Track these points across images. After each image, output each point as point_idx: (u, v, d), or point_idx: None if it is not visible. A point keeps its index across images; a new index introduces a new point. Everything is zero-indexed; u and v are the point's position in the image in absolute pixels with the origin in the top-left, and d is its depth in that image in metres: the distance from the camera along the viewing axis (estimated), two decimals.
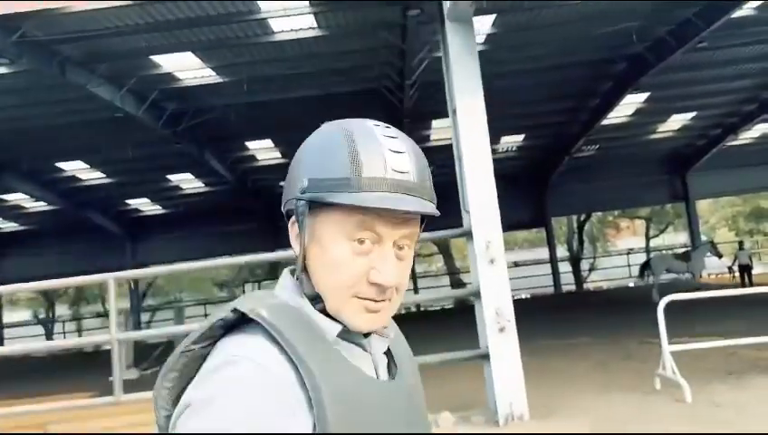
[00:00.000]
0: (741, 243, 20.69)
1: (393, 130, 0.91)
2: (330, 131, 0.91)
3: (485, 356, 5.65)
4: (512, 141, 21.72)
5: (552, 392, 6.57)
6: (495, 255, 5.66)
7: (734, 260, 19.51)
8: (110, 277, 6.29)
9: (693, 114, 20.43)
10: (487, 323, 5.67)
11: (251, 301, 0.87)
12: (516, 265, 33.75)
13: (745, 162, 25.41)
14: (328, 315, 0.89)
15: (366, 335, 0.93)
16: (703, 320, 10.80)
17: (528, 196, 25.40)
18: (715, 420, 5.17)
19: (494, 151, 23.70)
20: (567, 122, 19.66)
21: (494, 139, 21.09)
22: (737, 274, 19.14)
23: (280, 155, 19.50)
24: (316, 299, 0.90)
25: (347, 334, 0.89)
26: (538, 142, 21.82)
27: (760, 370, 6.81)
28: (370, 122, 0.91)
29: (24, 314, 32.72)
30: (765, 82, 18.22)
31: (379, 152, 0.86)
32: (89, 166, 18.39)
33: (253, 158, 19.75)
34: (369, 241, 0.86)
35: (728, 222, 35.56)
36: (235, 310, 0.85)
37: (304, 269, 0.91)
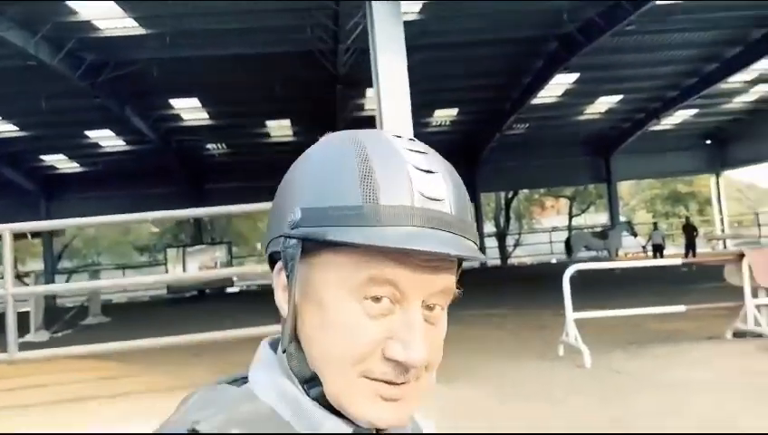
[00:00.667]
0: (655, 224, 21.86)
1: (419, 144, 0.67)
2: (332, 144, 0.67)
3: None
4: (445, 115, 21.83)
5: (463, 359, 6.68)
6: None
7: (649, 240, 20.53)
8: (5, 229, 5.87)
9: (619, 97, 21.07)
10: None
11: (215, 413, 0.63)
12: None
13: (666, 147, 26.53)
14: (326, 404, 0.64)
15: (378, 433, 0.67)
16: (613, 294, 11.22)
17: (459, 171, 25.22)
18: (611, 385, 5.37)
19: (427, 125, 23.95)
20: (499, 99, 19.90)
21: (428, 112, 21.20)
22: (651, 253, 20.13)
23: (207, 115, 18.90)
24: (310, 381, 0.65)
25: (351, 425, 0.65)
26: (471, 118, 22.04)
27: (660, 340, 7.11)
28: (388, 133, 0.67)
29: None
30: (688, 70, 18.93)
31: (402, 170, 0.62)
32: (0, 117, 17.28)
33: (178, 117, 19.04)
34: (387, 299, 0.62)
35: (647, 204, 37.20)
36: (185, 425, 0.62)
37: (294, 338, 0.66)
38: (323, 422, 0.64)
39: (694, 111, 23.81)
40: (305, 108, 18.52)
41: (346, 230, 0.60)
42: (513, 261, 29.58)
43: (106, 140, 20.39)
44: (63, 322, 13.84)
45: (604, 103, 21.73)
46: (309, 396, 0.65)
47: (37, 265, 27.01)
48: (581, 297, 6.46)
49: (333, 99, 16.86)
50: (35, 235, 23.58)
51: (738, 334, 6.78)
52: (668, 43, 16.21)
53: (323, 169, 0.64)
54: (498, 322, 9.47)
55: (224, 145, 22.73)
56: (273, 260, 0.69)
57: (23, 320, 11.75)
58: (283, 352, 0.67)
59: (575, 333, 6.25)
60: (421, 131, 22.95)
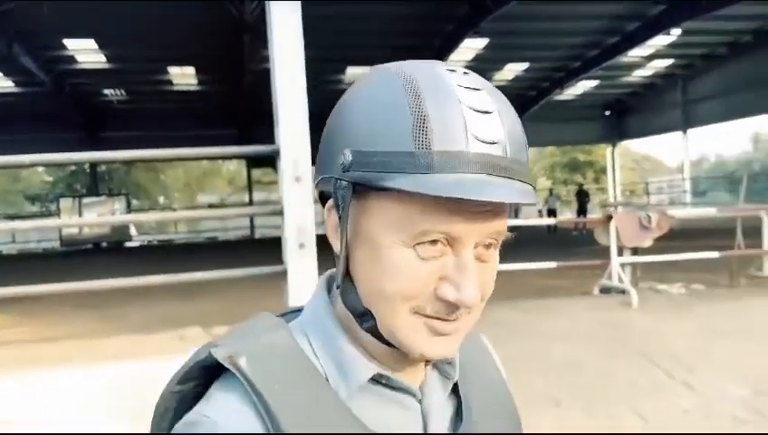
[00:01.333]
0: (551, 190, 23.04)
1: (475, 78, 0.64)
2: (384, 80, 0.63)
3: (285, 272, 5.67)
4: (358, 74, 21.71)
5: None
6: (302, 173, 5.56)
7: (545, 205, 21.59)
8: None
9: (526, 65, 21.69)
10: (288, 239, 5.64)
11: (235, 339, 0.66)
12: None
13: (567, 116, 27.64)
14: (378, 336, 0.66)
15: (427, 363, 0.70)
16: (505, 254, 11.69)
17: None
18: (489, 334, 5.64)
19: (339, 82, 23.74)
20: (411, 58, 19.97)
21: (341, 69, 21.04)
22: (546, 216, 21.24)
23: (105, 59, 17.91)
24: (363, 316, 0.66)
25: (384, 379, 0.67)
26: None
27: (539, 295, 7.57)
28: (441, 66, 0.64)
29: None
30: (591, 42, 19.69)
31: (457, 113, 0.60)
32: None
33: (72, 59, 17.95)
34: (440, 242, 0.61)
35: (547, 171, 38.81)
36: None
37: (347, 275, 0.67)
38: (354, 365, 0.66)
39: (595, 83, 24.89)
40: (211, 56, 17.91)
41: (398, 177, 0.59)
42: None
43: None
44: None
45: (511, 70, 22.31)
46: (362, 328, 0.67)
47: None
48: None
49: (241, 48, 16.37)
50: None
51: (604, 290, 7.30)
52: (573, 14, 16.77)
53: (374, 109, 0.62)
54: None
55: (122, 91, 21.68)
56: (322, 197, 0.68)
57: None
58: (337, 287, 0.68)
59: None
60: (333, 88, 22.80)
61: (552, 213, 20.51)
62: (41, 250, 24.13)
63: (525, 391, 4.41)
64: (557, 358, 4.99)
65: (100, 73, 19.06)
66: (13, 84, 19.45)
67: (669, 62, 23.62)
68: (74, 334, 6.55)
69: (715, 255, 7.76)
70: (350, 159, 0.62)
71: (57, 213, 22.90)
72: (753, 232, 8.37)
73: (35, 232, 25.82)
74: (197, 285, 8.49)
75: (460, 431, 0.71)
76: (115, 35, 15.55)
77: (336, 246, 0.67)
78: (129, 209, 23.45)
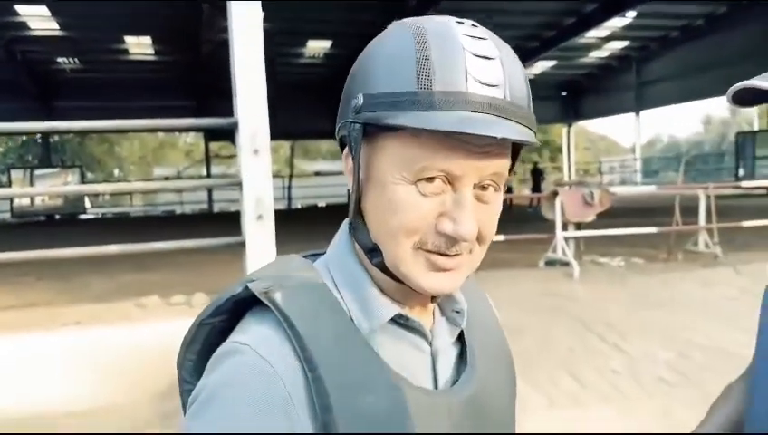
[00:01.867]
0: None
1: (482, 30, 0.68)
2: (396, 32, 0.69)
3: (243, 243, 5.82)
4: (319, 48, 21.61)
5: None
6: (260, 146, 5.68)
7: None
8: None
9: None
10: (247, 211, 5.78)
11: (269, 277, 0.70)
12: (318, 174, 34.42)
13: None
14: (387, 272, 0.70)
15: (433, 299, 0.75)
16: None
17: (333, 105, 25.39)
18: None
19: (300, 56, 23.46)
20: (374, 35, 19.89)
21: (301, 42, 20.90)
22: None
23: (57, 26, 17.42)
24: (372, 251, 0.71)
25: (403, 319, 0.72)
26: (345, 52, 21.94)
27: (486, 267, 7.82)
28: (452, 20, 0.69)
29: None
30: (549, 22, 19.99)
31: (459, 57, 0.64)
32: None
33: (24, 25, 17.40)
34: (440, 180, 0.65)
35: None
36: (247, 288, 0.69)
37: (359, 213, 0.72)
38: (375, 305, 0.71)
39: (552, 63, 25.28)
40: (168, 25, 17.59)
41: (402, 115, 0.63)
42: None
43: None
44: None
45: None
46: (372, 263, 0.71)
47: None
48: None
49: (199, 18, 16.14)
50: None
51: (549, 263, 7.65)
52: None
53: (385, 56, 0.67)
54: None
55: (76, 60, 21.11)
56: (342, 144, 0.72)
57: None
58: (350, 224, 0.73)
59: None
60: (292, 61, 22.65)
61: (508, 190, 20.92)
62: None
63: None
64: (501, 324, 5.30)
65: (53, 41, 18.54)
66: None
67: (625, 44, 24.16)
68: (37, 302, 6.60)
69: (653, 230, 8.17)
70: (362, 101, 0.67)
71: (8, 184, 22.29)
72: (692, 210, 8.82)
73: None
74: (157, 257, 8.56)
75: (464, 375, 0.75)
76: (68, 2, 15.16)
77: (350, 186, 0.71)
78: (83, 181, 22.99)
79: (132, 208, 28.32)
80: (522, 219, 13.01)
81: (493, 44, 0.67)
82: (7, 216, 23.22)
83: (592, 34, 21.27)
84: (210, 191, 25.84)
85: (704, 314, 5.40)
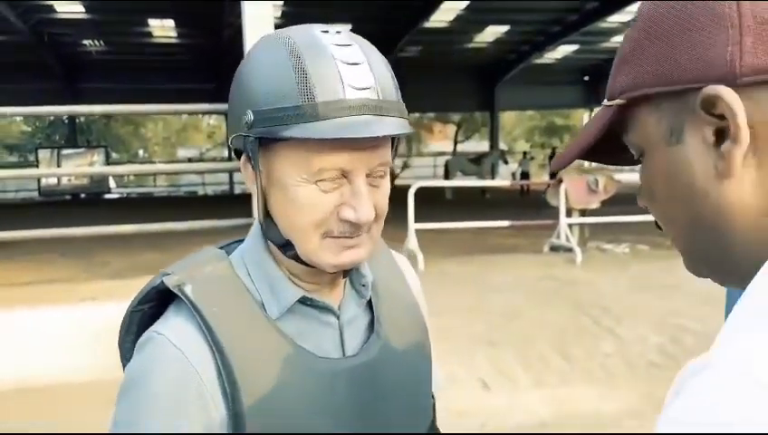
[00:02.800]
0: (525, 153, 23.31)
1: (345, 36, 0.75)
2: (271, 47, 0.75)
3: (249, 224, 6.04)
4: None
5: None
6: None
7: (519, 167, 21.92)
8: None
9: (507, 28, 21.69)
10: None
11: (183, 270, 0.78)
12: None
13: (547, 81, 27.78)
14: (300, 261, 0.78)
15: (345, 275, 0.83)
16: (471, 212, 12.16)
17: None
18: (435, 284, 6.11)
19: None
20: (393, 19, 19.95)
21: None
22: (519, 179, 21.58)
23: (83, 9, 17.72)
24: (286, 246, 0.78)
25: (308, 300, 0.80)
26: (364, 36, 21.92)
27: (491, 252, 8.01)
28: (317, 29, 0.75)
29: None
30: (572, 6, 19.77)
31: (332, 67, 0.71)
32: None
33: (50, 8, 17.73)
34: (335, 177, 0.73)
35: (526, 134, 39.13)
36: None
37: (267, 215, 0.79)
38: (283, 288, 0.79)
39: (574, 48, 25.01)
40: (191, 10, 17.80)
41: (291, 127, 0.70)
42: (399, 182, 30.47)
43: None
44: None
45: (492, 33, 22.31)
46: (286, 256, 0.79)
47: None
48: (451, 213, 7.11)
49: (221, 2, 16.33)
50: None
51: (554, 249, 7.75)
52: None
53: (265, 72, 0.73)
54: None
55: (101, 42, 21.44)
56: (237, 152, 0.79)
57: None
58: (261, 225, 0.80)
59: (415, 242, 6.94)
60: None
61: (525, 175, 20.89)
62: (19, 200, 24.12)
63: (465, 333, 4.87)
64: (498, 307, 5.45)
65: (79, 24, 18.87)
66: None
67: None
68: (57, 278, 6.88)
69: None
70: (252, 118, 0.73)
71: (36, 163, 22.80)
72: None
73: (13, 182, 25.77)
74: (177, 238, 8.81)
75: (367, 343, 0.82)
76: None
77: (253, 191, 0.78)
78: (108, 162, 23.41)
79: (156, 189, 28.69)
80: (535, 205, 13.08)
81: (359, 49, 0.74)
82: (35, 194, 23.76)
83: (615, 19, 20.99)
84: (231, 174, 26.16)
85: (700, 300, 5.49)
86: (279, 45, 0.74)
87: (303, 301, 0.79)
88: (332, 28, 0.77)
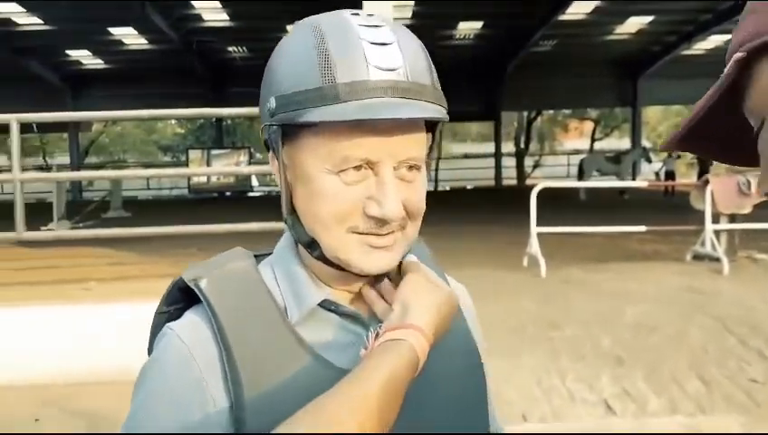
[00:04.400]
0: (670, 152, 21.58)
1: (377, 18, 0.71)
2: (297, 32, 0.71)
3: None
4: (470, 29, 21.39)
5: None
6: None
7: (662, 167, 20.39)
8: (12, 118, 6.29)
9: (650, 18, 20.36)
10: None
11: (203, 266, 0.75)
12: (466, 156, 34.30)
13: (696, 73, 25.69)
14: (329, 263, 0.73)
15: (377, 279, 0.76)
16: (608, 215, 11.47)
17: (482, 87, 25.40)
18: (557, 292, 5.79)
19: (450, 38, 23.35)
20: (526, 13, 19.38)
21: (452, 24, 20.82)
22: (663, 179, 20.08)
23: (228, 17, 18.85)
24: (311, 245, 0.73)
25: (333, 305, 0.74)
26: (496, 32, 21.55)
27: (625, 258, 7.45)
28: (347, 12, 0.71)
29: None
30: None
31: (357, 47, 0.67)
32: (25, 10, 17.48)
33: (198, 17, 19.03)
34: (362, 167, 0.68)
35: (673, 131, 36.34)
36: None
37: (293, 211, 0.75)
38: (304, 288, 0.74)
39: (727, 37, 22.94)
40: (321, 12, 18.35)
41: (311, 111, 0.66)
42: (530, 182, 29.64)
43: (129, 37, 20.51)
44: (85, 214, 14.51)
45: (634, 24, 21.03)
46: (313, 256, 0.74)
47: (64, 158, 27.92)
48: (583, 215, 6.75)
49: (337, 7, 16.67)
50: (59, 127, 24.19)
51: (697, 257, 7.05)
52: None
53: (289, 56, 0.70)
54: (485, 236, 9.86)
55: (244, 48, 22.71)
56: (267, 146, 0.75)
57: (48, 210, 12.46)
58: (285, 223, 0.75)
59: (537, 246, 6.61)
60: (444, 44, 22.65)
61: (669, 176, 19.43)
62: (172, 197, 26.18)
63: (590, 348, 4.52)
64: (629, 320, 5.02)
65: (224, 31, 20.09)
66: (146, 42, 20.93)
67: None
68: None
69: None
70: (274, 104, 0.70)
71: (186, 163, 24.57)
72: None
73: (167, 180, 28.03)
74: None
75: None
76: None
77: (280, 186, 0.74)
78: (251, 161, 24.71)
79: None
80: (680, 208, 12.11)
81: (389, 30, 0.69)
82: (185, 192, 25.67)
83: None
84: None
85: None
86: (305, 29, 0.70)
87: (327, 306, 0.74)
88: (365, 12, 0.72)
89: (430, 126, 0.75)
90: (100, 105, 23.82)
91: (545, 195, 7.14)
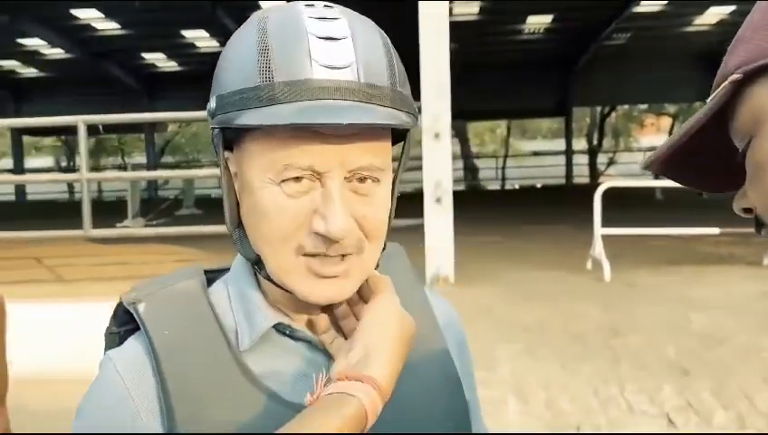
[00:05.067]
0: None
1: (337, 10, 0.63)
2: (244, 26, 0.64)
3: (422, 226, 6.03)
4: (539, 23, 20.90)
5: (490, 266, 6.97)
6: (441, 129, 5.84)
7: None
8: (79, 120, 6.55)
9: (732, 8, 19.31)
10: (426, 194, 5.96)
11: (147, 285, 0.69)
12: (536, 154, 33.56)
13: None
14: (275, 283, 0.65)
15: (328, 308, 0.67)
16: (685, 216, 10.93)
17: (552, 83, 24.81)
18: (621, 297, 5.52)
19: (519, 33, 23.00)
20: (598, 7, 18.76)
21: (521, 19, 20.40)
22: None
23: None
24: (258, 263, 0.66)
25: (287, 329, 0.67)
26: (567, 25, 20.98)
27: (696, 261, 7.03)
28: (301, 3, 0.63)
29: (48, 161, 34.05)
30: None
31: (301, 42, 0.59)
32: (103, 15, 18.30)
33: None
34: (306, 179, 0.60)
35: None
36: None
37: (239, 224, 0.67)
38: (256, 311, 0.67)
39: None
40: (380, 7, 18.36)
41: (246, 114, 0.58)
42: (603, 179, 28.74)
43: (201, 40, 21.16)
44: (158, 211, 15.06)
45: (715, 14, 20.02)
46: (260, 275, 0.67)
47: (140, 157, 29.13)
48: (657, 216, 6.46)
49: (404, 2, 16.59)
50: (135, 129, 25.18)
51: None
52: None
53: (232, 53, 0.63)
54: (551, 236, 9.57)
55: None
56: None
57: (122, 208, 13.01)
58: (232, 238, 0.67)
59: (600, 248, 6.35)
60: (512, 39, 22.24)
61: None
62: None
63: (653, 357, 4.27)
64: (698, 328, 4.72)
65: None
66: (218, 44, 21.52)
67: None
68: None
69: None
70: (214, 105, 0.62)
71: None
72: None
73: None
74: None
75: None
76: None
77: (224, 195, 0.67)
78: None
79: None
80: None
81: (345, 24, 0.61)
82: None
83: None
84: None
85: None
86: (252, 22, 0.63)
87: (282, 330, 0.67)
88: (322, 2, 0.64)
89: (399, 132, 0.66)
90: (174, 106, 24.59)
91: (616, 194, 6.84)
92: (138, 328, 0.67)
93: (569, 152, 26.35)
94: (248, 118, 0.58)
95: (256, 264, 0.66)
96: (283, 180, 0.60)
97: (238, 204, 0.67)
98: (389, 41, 0.64)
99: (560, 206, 15.41)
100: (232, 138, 0.65)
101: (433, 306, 0.79)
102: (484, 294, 5.71)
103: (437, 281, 5.89)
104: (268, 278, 0.66)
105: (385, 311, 0.65)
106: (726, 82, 0.50)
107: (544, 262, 7.28)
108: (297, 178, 0.60)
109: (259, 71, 0.59)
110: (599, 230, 6.26)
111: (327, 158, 0.59)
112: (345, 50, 0.60)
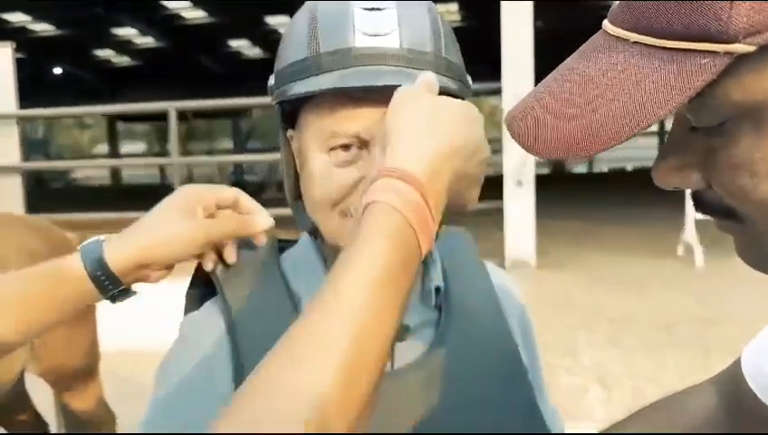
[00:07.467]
0: None
1: None
2: (302, 7, 0.67)
3: (501, 209, 5.92)
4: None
5: (577, 251, 6.76)
6: None
7: None
8: (170, 106, 6.83)
9: None
10: (506, 177, 5.83)
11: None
12: None
13: None
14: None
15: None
16: None
17: None
18: (713, 285, 5.23)
19: (605, 8, 22.33)
20: None
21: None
22: None
23: None
24: (316, 232, 0.70)
25: None
26: None
27: None
28: None
29: (141, 147, 35.76)
30: None
31: (345, 14, 0.61)
32: (191, 4, 18.91)
33: None
34: (354, 146, 0.62)
35: None
36: None
37: (299, 196, 0.70)
38: (312, 275, 0.69)
39: None
40: None
41: (295, 84, 0.61)
42: None
43: (284, 27, 21.48)
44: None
45: None
46: (322, 245, 0.70)
47: (227, 142, 30.08)
48: None
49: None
50: (223, 115, 25.96)
51: None
52: None
53: (288, 32, 0.66)
54: (636, 220, 9.18)
55: None
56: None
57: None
58: (291, 208, 0.71)
59: (692, 233, 6.01)
60: (596, 14, 21.38)
61: None
62: None
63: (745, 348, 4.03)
64: None
65: None
66: (261, 52, 21.81)
67: None
68: None
69: None
70: (272, 82, 0.66)
71: None
72: None
73: None
74: None
75: (426, 356, 0.66)
76: None
77: (284, 169, 0.71)
78: None
79: None
80: None
81: None
82: None
83: None
84: None
85: None
86: (308, 2, 0.67)
87: None
88: None
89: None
90: (258, 93, 25.25)
91: None
92: (215, 291, 0.70)
93: (661, 133, 25.12)
94: (296, 88, 0.61)
95: (313, 233, 0.70)
96: (332, 148, 0.62)
97: (297, 178, 0.69)
98: (436, 10, 0.66)
99: (651, 189, 14.73)
100: (292, 114, 0.68)
101: (491, 276, 0.78)
102: (567, 281, 5.55)
103: (518, 266, 5.77)
104: (328, 245, 0.68)
105: (409, 94, 0.56)
106: (723, 52, 0.36)
107: (632, 247, 7.00)
108: (345, 147, 0.62)
109: (308, 44, 0.62)
110: (691, 212, 5.91)
111: (370, 126, 0.60)
112: (388, 18, 0.61)
